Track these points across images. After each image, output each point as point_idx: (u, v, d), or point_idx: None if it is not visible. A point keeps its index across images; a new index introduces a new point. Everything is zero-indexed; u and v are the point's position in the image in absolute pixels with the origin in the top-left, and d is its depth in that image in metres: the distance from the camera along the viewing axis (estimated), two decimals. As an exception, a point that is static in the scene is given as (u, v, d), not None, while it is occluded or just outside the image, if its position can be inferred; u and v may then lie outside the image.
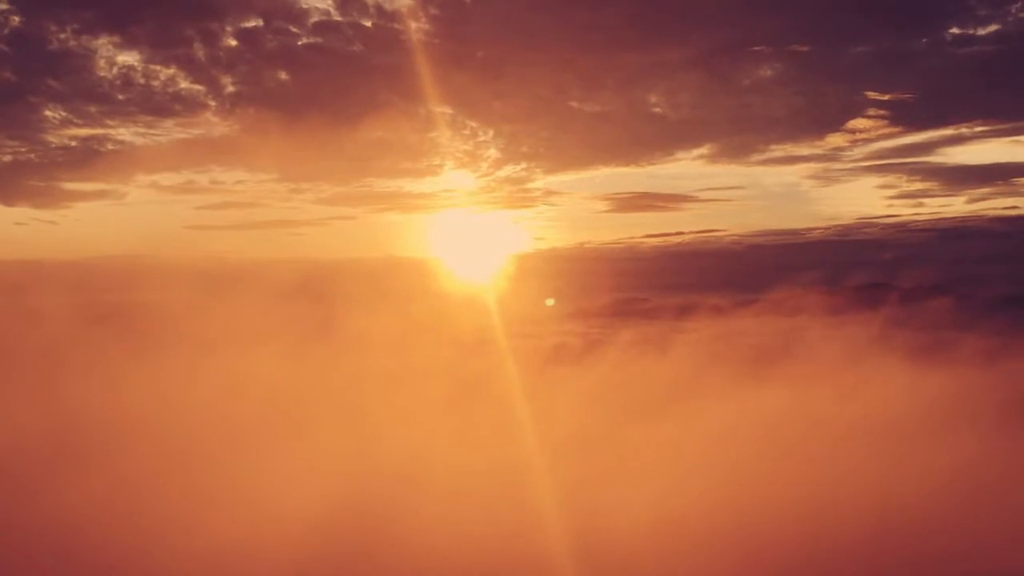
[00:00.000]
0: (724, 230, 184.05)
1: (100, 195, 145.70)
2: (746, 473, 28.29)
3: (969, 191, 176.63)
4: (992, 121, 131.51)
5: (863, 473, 28.26)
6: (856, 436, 32.83)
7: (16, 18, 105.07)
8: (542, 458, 30.23)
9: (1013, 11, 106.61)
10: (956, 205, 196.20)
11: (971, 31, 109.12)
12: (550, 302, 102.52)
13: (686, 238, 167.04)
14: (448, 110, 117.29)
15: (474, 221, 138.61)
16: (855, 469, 28.38)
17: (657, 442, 34.44)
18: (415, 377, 40.80)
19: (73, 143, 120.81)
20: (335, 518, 24.18)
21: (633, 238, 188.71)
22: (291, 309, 52.36)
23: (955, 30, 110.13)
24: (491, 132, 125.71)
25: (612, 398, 43.34)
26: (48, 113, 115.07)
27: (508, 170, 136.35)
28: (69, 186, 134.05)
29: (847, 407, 38.36)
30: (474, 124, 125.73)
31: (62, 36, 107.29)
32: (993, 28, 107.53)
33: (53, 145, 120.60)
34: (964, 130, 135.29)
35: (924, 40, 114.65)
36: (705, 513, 25.67)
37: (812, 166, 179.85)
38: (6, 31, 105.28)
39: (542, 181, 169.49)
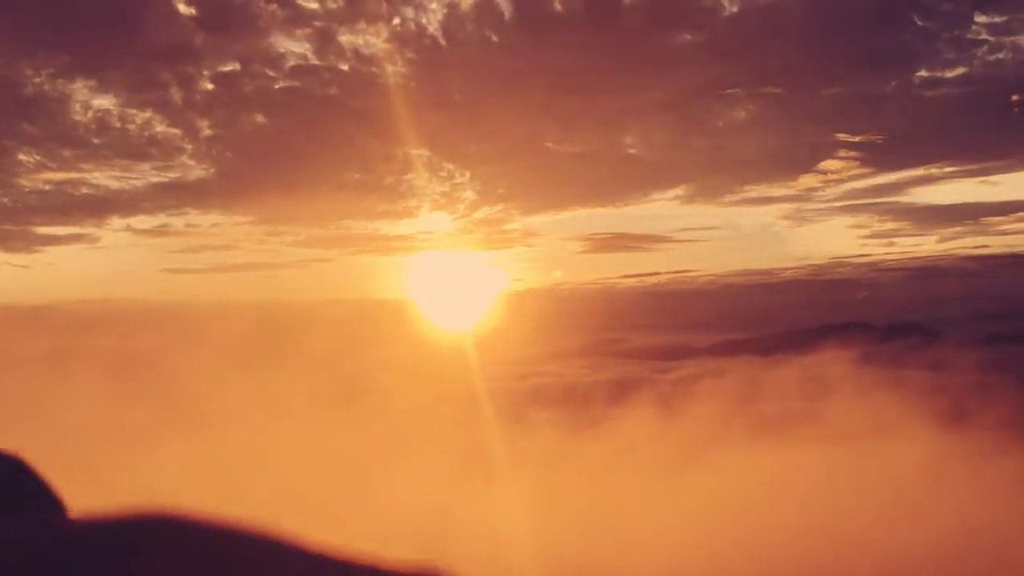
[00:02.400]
0: (699, 270, 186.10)
1: (74, 239, 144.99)
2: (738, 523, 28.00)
3: (939, 230, 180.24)
4: (960, 162, 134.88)
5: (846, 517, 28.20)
6: (837, 476, 32.89)
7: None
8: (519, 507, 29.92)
9: (979, 55, 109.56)
10: (927, 244, 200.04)
11: (939, 74, 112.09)
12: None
13: (662, 278, 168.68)
14: (425, 152, 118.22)
15: (452, 263, 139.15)
16: (841, 515, 28.24)
17: (638, 489, 34.32)
18: (394, 423, 40.49)
19: (47, 187, 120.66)
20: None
21: (610, 278, 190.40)
22: (267, 351, 52.00)
23: (923, 73, 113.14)
24: (468, 174, 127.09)
25: (594, 448, 43.11)
26: (22, 157, 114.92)
27: (485, 211, 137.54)
28: (42, 230, 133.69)
29: (828, 450, 38.43)
30: (451, 166, 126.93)
31: (37, 80, 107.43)
32: (960, 71, 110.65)
33: (27, 189, 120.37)
34: (934, 170, 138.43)
35: (893, 83, 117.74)
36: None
37: (786, 206, 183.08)
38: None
39: (519, 222, 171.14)
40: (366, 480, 28.99)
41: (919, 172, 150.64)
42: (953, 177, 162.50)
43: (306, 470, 29.91)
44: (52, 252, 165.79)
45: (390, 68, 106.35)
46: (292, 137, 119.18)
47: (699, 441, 42.76)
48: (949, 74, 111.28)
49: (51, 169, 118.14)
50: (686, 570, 23.73)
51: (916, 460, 34.96)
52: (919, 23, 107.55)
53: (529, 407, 63.73)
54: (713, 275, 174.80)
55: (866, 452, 36.78)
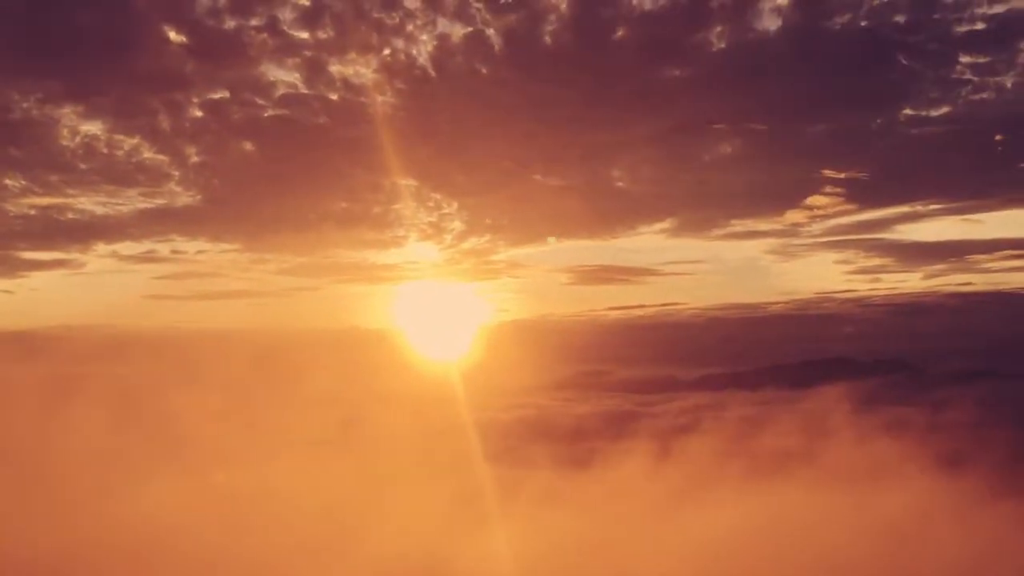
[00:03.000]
0: (685, 303, 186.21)
1: (59, 264, 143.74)
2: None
3: (924, 267, 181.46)
4: (945, 199, 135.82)
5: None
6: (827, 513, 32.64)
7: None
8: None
9: (964, 94, 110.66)
10: (912, 281, 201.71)
11: (924, 112, 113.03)
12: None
13: (648, 311, 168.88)
14: (413, 182, 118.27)
15: (438, 293, 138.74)
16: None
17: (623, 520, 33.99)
18: (382, 457, 40.06)
19: (32, 212, 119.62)
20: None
21: (595, 310, 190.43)
22: (253, 380, 51.54)
23: (908, 111, 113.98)
24: (455, 204, 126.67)
25: (581, 486, 42.76)
26: (8, 182, 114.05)
27: (472, 242, 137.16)
28: (27, 255, 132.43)
29: (815, 488, 38.21)
30: (438, 196, 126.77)
31: (25, 105, 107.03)
32: (945, 110, 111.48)
33: (12, 214, 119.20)
34: (919, 207, 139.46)
35: (879, 120, 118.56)
36: None
37: (772, 241, 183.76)
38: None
39: (505, 253, 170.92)
40: (356, 518, 28.59)
41: (904, 209, 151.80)
42: (938, 214, 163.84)
43: (296, 507, 29.49)
44: (37, 277, 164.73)
45: (379, 98, 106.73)
46: (280, 166, 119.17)
47: (684, 478, 42.47)
48: (934, 113, 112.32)
49: (37, 194, 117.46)
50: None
51: (903, 497, 34.83)
52: (904, 62, 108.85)
53: (514, 439, 63.42)
54: (698, 308, 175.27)
55: (853, 490, 36.64)
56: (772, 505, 33.77)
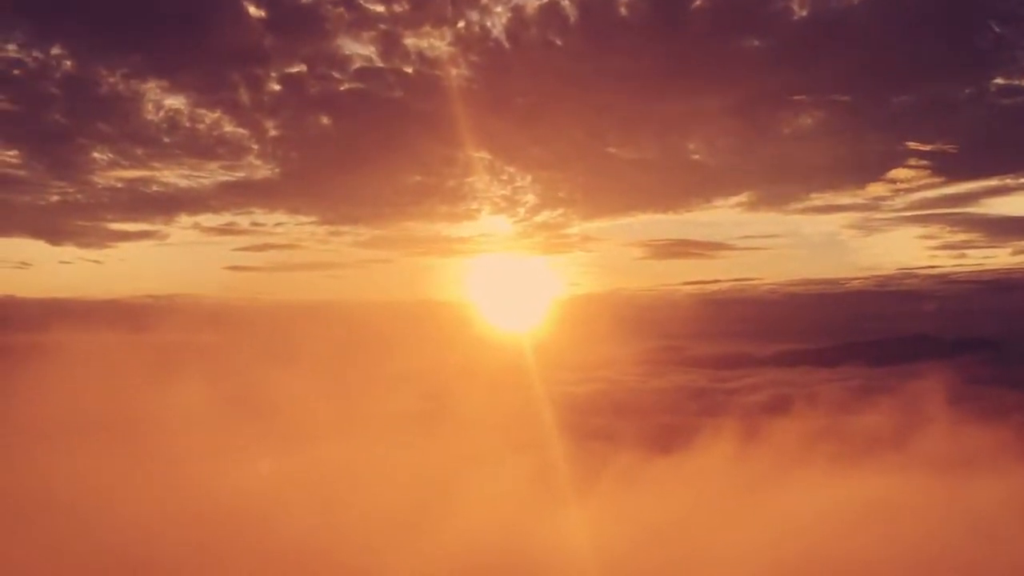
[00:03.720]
0: (761, 279, 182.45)
1: (144, 235, 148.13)
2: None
3: (1014, 243, 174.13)
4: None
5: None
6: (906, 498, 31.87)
7: (68, 62, 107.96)
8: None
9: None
10: (1000, 256, 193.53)
11: (1016, 81, 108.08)
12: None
13: (722, 286, 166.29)
14: (486, 155, 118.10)
15: (510, 266, 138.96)
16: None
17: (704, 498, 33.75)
18: (460, 432, 40.50)
19: (119, 184, 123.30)
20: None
21: (669, 285, 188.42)
22: (332, 351, 52.54)
23: (999, 80, 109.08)
24: (528, 177, 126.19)
25: (655, 462, 42.52)
26: (96, 155, 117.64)
27: (545, 215, 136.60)
28: (114, 226, 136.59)
29: (896, 470, 37.29)
30: (512, 169, 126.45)
31: (112, 80, 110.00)
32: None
33: (100, 186, 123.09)
34: (1008, 181, 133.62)
35: (968, 90, 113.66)
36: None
37: (852, 215, 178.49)
38: (58, 75, 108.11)
39: (578, 227, 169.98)
40: (440, 494, 28.94)
41: (993, 182, 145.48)
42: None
43: (378, 480, 29.99)
44: (123, 248, 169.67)
45: (454, 71, 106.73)
46: (356, 139, 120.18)
47: (760, 457, 41.96)
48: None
49: (123, 167, 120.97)
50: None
51: (989, 484, 33.77)
52: (996, 29, 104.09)
53: (588, 414, 63.39)
54: (775, 284, 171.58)
55: (937, 474, 35.69)
56: (853, 488, 33.08)
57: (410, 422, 38.95)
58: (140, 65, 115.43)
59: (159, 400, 38.14)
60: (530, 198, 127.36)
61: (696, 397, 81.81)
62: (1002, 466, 37.05)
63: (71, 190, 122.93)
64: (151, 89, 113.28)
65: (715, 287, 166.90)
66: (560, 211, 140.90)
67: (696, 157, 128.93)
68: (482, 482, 31.01)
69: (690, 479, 38.25)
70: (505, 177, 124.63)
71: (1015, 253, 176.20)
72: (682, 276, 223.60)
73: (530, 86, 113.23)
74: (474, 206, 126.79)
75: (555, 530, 27.78)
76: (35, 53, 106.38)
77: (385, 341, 55.68)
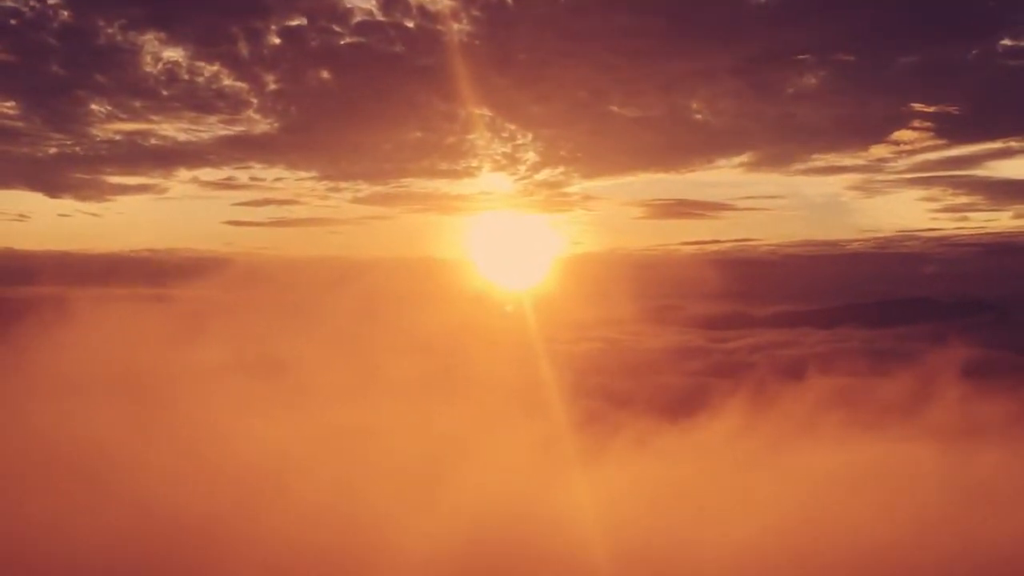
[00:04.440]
0: (761, 239, 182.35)
1: (142, 189, 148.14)
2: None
3: (1016, 206, 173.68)
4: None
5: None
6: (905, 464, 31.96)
7: (65, 13, 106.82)
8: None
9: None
10: (1002, 220, 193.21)
11: (1023, 43, 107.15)
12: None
13: (722, 246, 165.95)
14: (487, 112, 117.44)
15: (511, 224, 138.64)
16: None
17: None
18: (456, 382, 40.62)
19: (118, 137, 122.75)
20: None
21: (669, 245, 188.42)
22: (327, 306, 52.50)
23: (1007, 41, 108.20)
24: (530, 135, 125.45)
25: (650, 422, 42.63)
26: (94, 107, 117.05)
27: (546, 174, 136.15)
28: (113, 179, 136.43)
29: (892, 435, 37.39)
30: (513, 127, 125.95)
31: (110, 31, 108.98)
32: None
33: (98, 139, 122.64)
34: (1012, 144, 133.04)
35: (974, 51, 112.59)
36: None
37: (854, 177, 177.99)
38: (55, 25, 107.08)
39: (579, 185, 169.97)
40: (443, 455, 29.04)
41: (997, 145, 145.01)
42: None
43: (385, 438, 30.05)
44: (122, 201, 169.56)
45: (455, 26, 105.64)
46: (356, 94, 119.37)
47: (755, 417, 42.06)
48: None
49: (121, 119, 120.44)
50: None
51: (984, 447, 33.86)
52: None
53: (586, 373, 63.62)
54: (775, 244, 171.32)
55: (933, 437, 35.79)
56: (849, 451, 33.21)
57: (411, 380, 38.93)
58: (138, 16, 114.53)
59: (165, 355, 38.15)
60: (531, 156, 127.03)
61: (694, 357, 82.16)
62: (1002, 430, 37.20)
63: (69, 142, 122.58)
64: (149, 41, 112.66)
65: (715, 247, 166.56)
66: (561, 169, 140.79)
67: (698, 117, 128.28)
68: (483, 441, 31.12)
69: (688, 438, 38.47)
70: (506, 134, 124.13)
71: (1016, 216, 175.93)
72: (682, 236, 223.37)
73: (532, 42, 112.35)
74: (475, 163, 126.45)
75: (555, 487, 27.92)
76: (32, 2, 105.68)
77: (385, 298, 55.56)
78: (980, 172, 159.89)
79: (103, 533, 21.97)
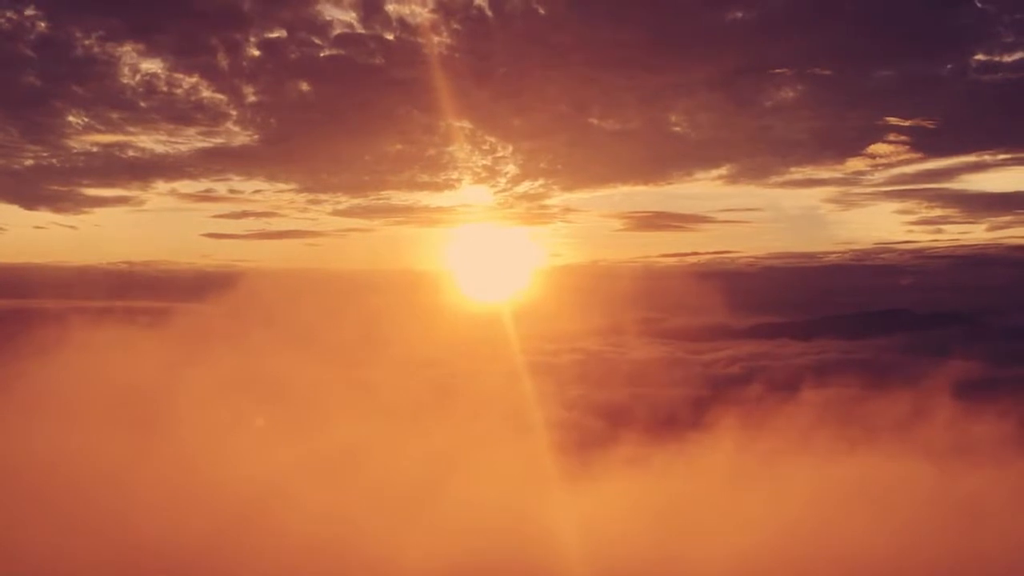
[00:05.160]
0: (740, 251, 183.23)
1: (120, 201, 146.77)
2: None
3: (990, 219, 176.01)
4: (1015, 149, 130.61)
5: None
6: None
7: (43, 23, 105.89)
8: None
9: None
10: (976, 233, 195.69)
11: (997, 58, 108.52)
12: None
13: (701, 259, 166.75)
14: (467, 125, 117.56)
15: (491, 236, 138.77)
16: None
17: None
18: (436, 395, 40.65)
19: (95, 149, 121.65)
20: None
21: (648, 257, 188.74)
22: (307, 319, 52.43)
23: (981, 57, 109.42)
24: (510, 148, 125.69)
25: (630, 434, 42.88)
26: (71, 119, 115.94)
27: (526, 186, 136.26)
28: (89, 191, 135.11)
29: (869, 446, 37.73)
30: (493, 139, 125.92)
31: (87, 42, 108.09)
32: (1019, 56, 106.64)
33: (75, 150, 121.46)
34: (987, 157, 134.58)
35: (948, 66, 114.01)
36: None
37: (831, 189, 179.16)
38: (32, 36, 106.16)
39: (559, 198, 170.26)
40: (425, 471, 29.05)
41: (971, 159, 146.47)
42: (1006, 165, 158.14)
43: (368, 456, 29.99)
44: (99, 213, 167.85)
45: (435, 39, 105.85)
46: (336, 106, 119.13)
47: (733, 429, 42.33)
48: (1008, 58, 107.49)
49: (99, 131, 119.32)
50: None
51: (959, 458, 34.25)
52: (978, 4, 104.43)
53: (566, 384, 63.81)
54: (754, 257, 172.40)
55: (905, 447, 36.18)
56: (828, 463, 33.55)
57: (392, 394, 38.93)
58: (116, 27, 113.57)
59: (142, 369, 37.94)
60: (511, 168, 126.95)
61: (674, 368, 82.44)
62: (977, 441, 37.64)
63: (45, 154, 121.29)
64: (127, 52, 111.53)
65: (694, 259, 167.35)
66: (541, 182, 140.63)
67: (677, 129, 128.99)
68: (469, 457, 31.15)
69: (668, 450, 38.65)
70: (486, 147, 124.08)
71: (990, 229, 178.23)
72: (661, 248, 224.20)
73: (512, 55, 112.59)
74: (455, 176, 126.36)
75: (540, 502, 28.01)
76: (9, 14, 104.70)
77: (365, 311, 55.53)
78: (954, 185, 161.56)
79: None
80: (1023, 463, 34.07)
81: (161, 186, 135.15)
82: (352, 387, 38.98)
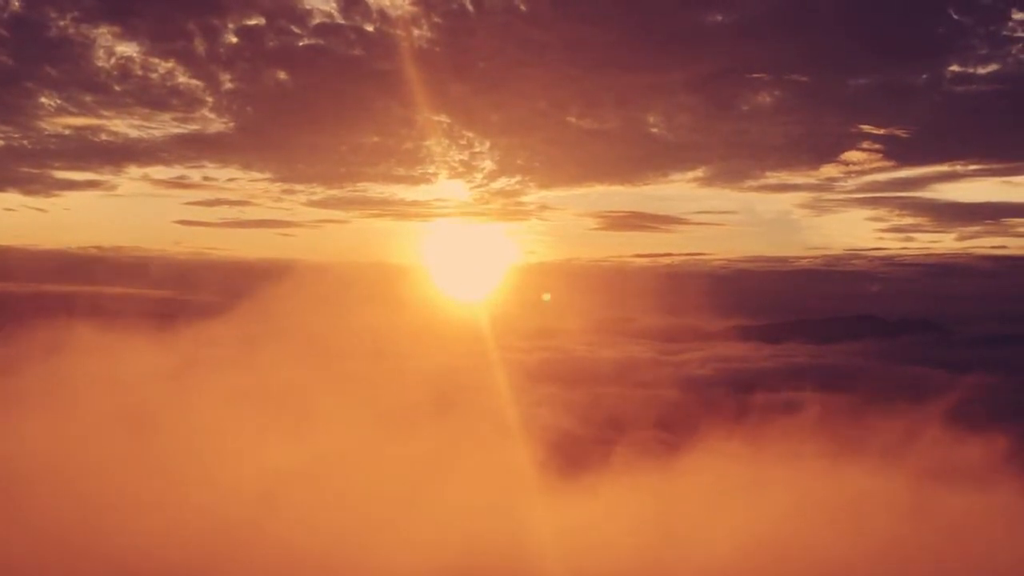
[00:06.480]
0: (713, 254, 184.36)
1: (91, 185, 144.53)
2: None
3: (959, 228, 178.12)
4: (986, 160, 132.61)
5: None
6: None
7: (16, 3, 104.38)
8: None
9: (1014, 52, 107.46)
10: (945, 241, 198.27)
11: (971, 70, 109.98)
12: (546, 297, 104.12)
13: (674, 260, 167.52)
14: (445, 119, 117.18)
15: (466, 232, 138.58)
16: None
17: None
18: (401, 386, 40.47)
19: (67, 131, 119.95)
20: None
21: (622, 257, 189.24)
22: (277, 309, 52.14)
23: (955, 68, 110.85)
24: (487, 143, 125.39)
25: (597, 433, 43.09)
26: (44, 100, 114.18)
27: (502, 182, 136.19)
28: (60, 174, 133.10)
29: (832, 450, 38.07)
30: (471, 135, 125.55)
31: (62, 23, 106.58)
32: (993, 68, 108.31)
33: (47, 132, 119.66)
34: (958, 167, 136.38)
35: (923, 76, 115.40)
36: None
37: (805, 195, 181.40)
38: (5, 15, 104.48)
39: (535, 195, 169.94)
40: (404, 476, 28.93)
41: (943, 168, 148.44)
42: (977, 175, 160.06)
43: (344, 460, 29.77)
44: (70, 197, 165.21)
45: (415, 32, 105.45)
46: (313, 96, 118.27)
47: (697, 430, 42.52)
48: (982, 70, 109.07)
49: (72, 114, 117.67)
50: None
51: (920, 464, 34.64)
52: (954, 16, 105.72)
53: (537, 381, 63.92)
54: (726, 259, 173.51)
55: (863, 451, 36.47)
56: (792, 467, 33.81)
57: (360, 394, 38.66)
58: (92, 9, 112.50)
59: (106, 356, 37.53)
60: (488, 164, 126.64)
61: (645, 368, 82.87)
62: (939, 447, 38.10)
63: (16, 135, 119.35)
64: (102, 34, 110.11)
65: (667, 260, 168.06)
66: (517, 178, 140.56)
67: (654, 130, 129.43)
68: (437, 454, 31.11)
69: (638, 450, 38.84)
70: (464, 142, 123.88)
71: (960, 238, 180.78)
72: (635, 248, 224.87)
73: (492, 51, 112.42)
74: (431, 170, 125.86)
75: (512, 503, 28.02)
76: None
77: (337, 303, 55.25)
78: (926, 194, 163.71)
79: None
80: (989, 471, 34.60)
81: (134, 171, 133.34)
82: (323, 388, 38.69)
